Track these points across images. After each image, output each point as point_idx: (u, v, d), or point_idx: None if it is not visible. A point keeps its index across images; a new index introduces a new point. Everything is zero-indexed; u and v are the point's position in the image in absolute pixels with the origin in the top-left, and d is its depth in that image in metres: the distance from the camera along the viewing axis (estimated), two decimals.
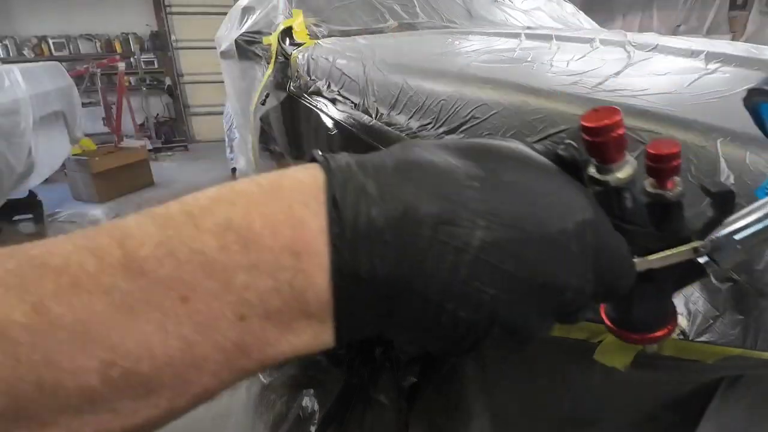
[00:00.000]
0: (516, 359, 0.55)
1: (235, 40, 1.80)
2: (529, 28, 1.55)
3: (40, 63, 4.15)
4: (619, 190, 0.24)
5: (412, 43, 1.26)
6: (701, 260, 0.25)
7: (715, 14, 4.84)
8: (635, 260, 0.24)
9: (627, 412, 0.51)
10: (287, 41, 1.53)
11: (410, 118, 0.81)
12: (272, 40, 1.62)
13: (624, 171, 0.24)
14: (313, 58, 1.28)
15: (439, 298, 0.19)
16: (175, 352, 0.17)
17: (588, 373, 0.48)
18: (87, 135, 4.47)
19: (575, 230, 0.21)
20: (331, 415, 0.81)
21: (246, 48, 1.75)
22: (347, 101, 1.04)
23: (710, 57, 0.82)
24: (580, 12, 2.18)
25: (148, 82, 6.42)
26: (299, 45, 1.45)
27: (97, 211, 3.82)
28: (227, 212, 0.19)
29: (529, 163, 0.23)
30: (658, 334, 0.28)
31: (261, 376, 0.97)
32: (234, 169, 3.63)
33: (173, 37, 6.60)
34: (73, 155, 4.06)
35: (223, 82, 3.23)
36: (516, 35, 1.15)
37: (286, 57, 1.47)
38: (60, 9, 5.98)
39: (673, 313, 0.29)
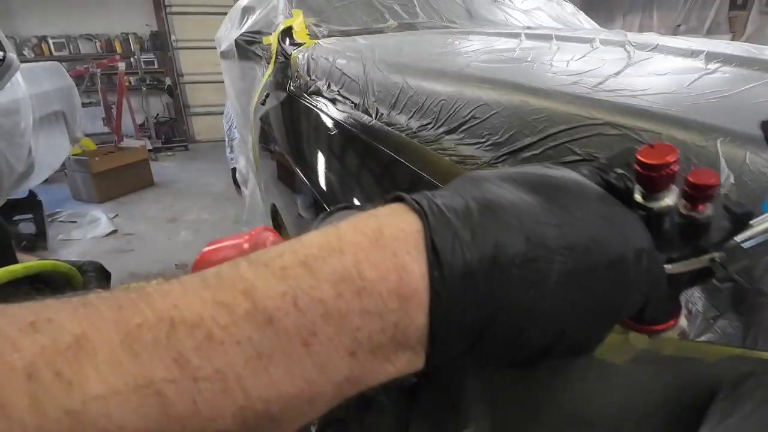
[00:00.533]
0: None
1: (235, 40, 1.80)
2: (529, 28, 1.55)
3: (40, 63, 4.15)
4: (660, 214, 0.27)
5: (412, 43, 1.26)
6: (714, 267, 0.28)
7: (715, 14, 4.84)
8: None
9: (627, 416, 0.51)
10: (287, 41, 1.53)
11: (410, 118, 0.81)
12: (272, 40, 1.61)
13: (668, 199, 0.27)
14: (313, 58, 1.28)
15: (519, 326, 0.22)
16: (298, 392, 0.19)
17: (588, 374, 0.48)
18: (87, 135, 4.47)
19: (634, 258, 0.23)
20: (331, 415, 0.81)
21: (246, 48, 1.74)
22: (347, 101, 1.04)
23: (710, 57, 0.82)
24: (580, 12, 2.17)
25: (148, 82, 6.42)
26: (299, 45, 1.45)
27: (97, 211, 3.82)
28: (340, 262, 0.20)
29: (591, 196, 0.25)
30: (663, 326, 0.32)
31: None
32: (234, 169, 3.63)
33: (173, 37, 6.60)
34: (73, 155, 4.06)
35: (223, 82, 3.23)
36: (516, 35, 1.15)
37: (286, 57, 1.47)
38: (60, 9, 5.98)
39: (678, 309, 0.33)
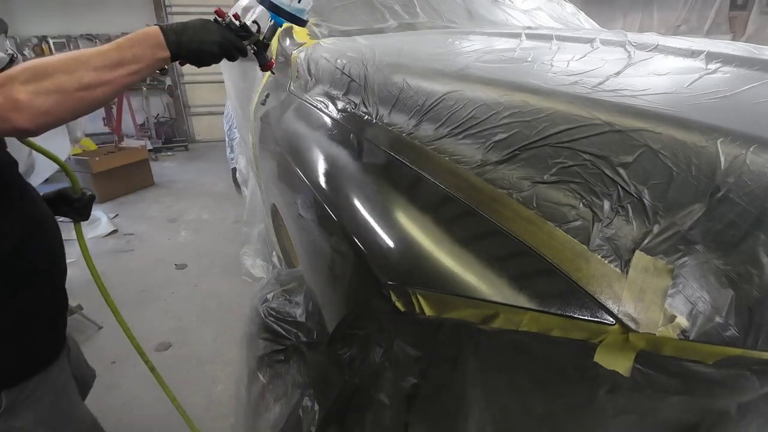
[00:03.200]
0: (517, 360, 0.55)
1: None
2: (529, 28, 1.55)
3: None
4: (228, 23, 0.81)
5: (412, 43, 1.26)
6: (261, 38, 0.88)
7: (715, 14, 4.84)
8: (245, 43, 0.84)
9: (625, 417, 0.51)
10: (288, 41, 1.53)
11: (410, 118, 0.81)
12: (272, 39, 1.61)
13: (227, 19, 0.82)
14: (313, 58, 1.28)
15: (192, 45, 0.78)
16: (140, 54, 0.73)
17: (587, 377, 0.48)
18: (87, 135, 4.48)
19: (217, 35, 0.80)
20: (331, 415, 0.81)
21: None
22: (347, 101, 1.04)
23: (711, 57, 0.82)
24: (581, 12, 2.18)
25: (148, 82, 6.41)
26: (300, 45, 1.45)
27: (97, 211, 3.82)
28: (142, 33, 0.75)
29: (211, 22, 0.82)
30: (268, 66, 0.94)
31: (261, 376, 0.97)
32: (234, 169, 3.63)
33: None
34: (73, 155, 4.06)
35: (223, 82, 3.23)
36: (516, 35, 1.15)
37: (287, 57, 1.47)
38: (60, 9, 5.98)
39: (269, 61, 0.93)
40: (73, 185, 1.07)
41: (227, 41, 0.81)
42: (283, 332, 0.94)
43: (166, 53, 0.75)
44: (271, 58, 0.99)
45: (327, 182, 0.87)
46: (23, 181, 0.87)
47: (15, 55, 0.88)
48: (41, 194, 0.98)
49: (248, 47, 0.86)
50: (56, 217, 0.99)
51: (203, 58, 0.81)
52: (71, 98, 0.67)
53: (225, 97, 3.66)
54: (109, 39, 6.47)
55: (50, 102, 0.65)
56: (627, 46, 0.93)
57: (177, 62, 0.80)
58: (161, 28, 0.76)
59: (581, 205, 0.51)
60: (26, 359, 0.85)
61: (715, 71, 0.75)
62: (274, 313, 0.97)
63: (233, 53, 0.84)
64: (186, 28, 0.78)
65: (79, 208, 1.08)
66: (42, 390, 0.88)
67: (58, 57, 0.67)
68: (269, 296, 1.02)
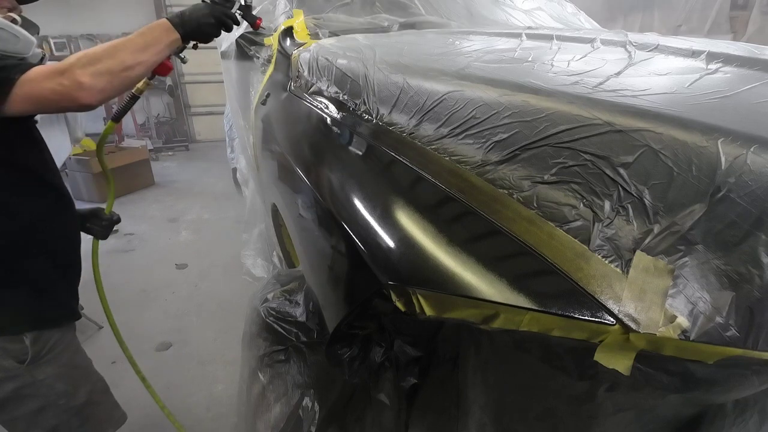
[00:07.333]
0: (517, 360, 0.55)
1: (236, 40, 1.80)
2: (530, 28, 1.55)
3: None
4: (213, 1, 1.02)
5: (412, 43, 1.26)
6: (243, 2, 1.08)
7: (716, 14, 4.83)
8: (231, 11, 1.03)
9: (624, 417, 0.51)
10: (288, 41, 1.53)
11: (410, 118, 0.81)
12: (273, 40, 1.61)
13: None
14: (313, 58, 1.28)
15: (192, 23, 0.96)
16: (157, 36, 0.92)
17: (587, 376, 0.48)
18: (88, 135, 4.48)
19: (206, 9, 0.99)
20: (331, 415, 0.81)
21: (246, 48, 1.74)
22: (348, 101, 1.04)
23: (711, 57, 0.82)
24: (581, 12, 2.17)
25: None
26: (300, 45, 1.45)
27: None
28: (157, 25, 0.93)
29: (201, 2, 1.02)
30: (259, 20, 1.19)
31: (261, 376, 0.97)
32: (235, 169, 3.62)
33: None
34: (73, 155, 4.07)
35: (223, 82, 3.23)
36: (517, 35, 1.15)
37: (287, 57, 1.47)
38: (60, 9, 5.99)
39: (257, 18, 1.18)
40: (108, 206, 1.23)
41: (217, 12, 0.99)
42: (284, 332, 0.94)
43: (176, 34, 0.93)
44: (258, 18, 1.19)
45: (327, 182, 0.87)
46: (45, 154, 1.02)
47: (44, 54, 0.96)
48: (77, 210, 1.12)
49: (236, 13, 1.03)
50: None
51: (205, 30, 0.98)
52: (118, 77, 0.83)
53: (225, 97, 3.67)
54: (109, 39, 6.51)
55: (104, 82, 0.80)
56: (627, 46, 0.93)
57: (191, 45, 1.01)
58: (166, 17, 0.96)
59: (582, 205, 0.51)
60: (48, 309, 0.98)
61: (715, 71, 0.75)
62: (274, 313, 0.97)
63: (227, 21, 1.01)
64: (183, 12, 0.96)
65: (105, 226, 1.22)
66: (61, 347, 1.01)
67: (101, 46, 0.84)
68: (269, 296, 1.02)
